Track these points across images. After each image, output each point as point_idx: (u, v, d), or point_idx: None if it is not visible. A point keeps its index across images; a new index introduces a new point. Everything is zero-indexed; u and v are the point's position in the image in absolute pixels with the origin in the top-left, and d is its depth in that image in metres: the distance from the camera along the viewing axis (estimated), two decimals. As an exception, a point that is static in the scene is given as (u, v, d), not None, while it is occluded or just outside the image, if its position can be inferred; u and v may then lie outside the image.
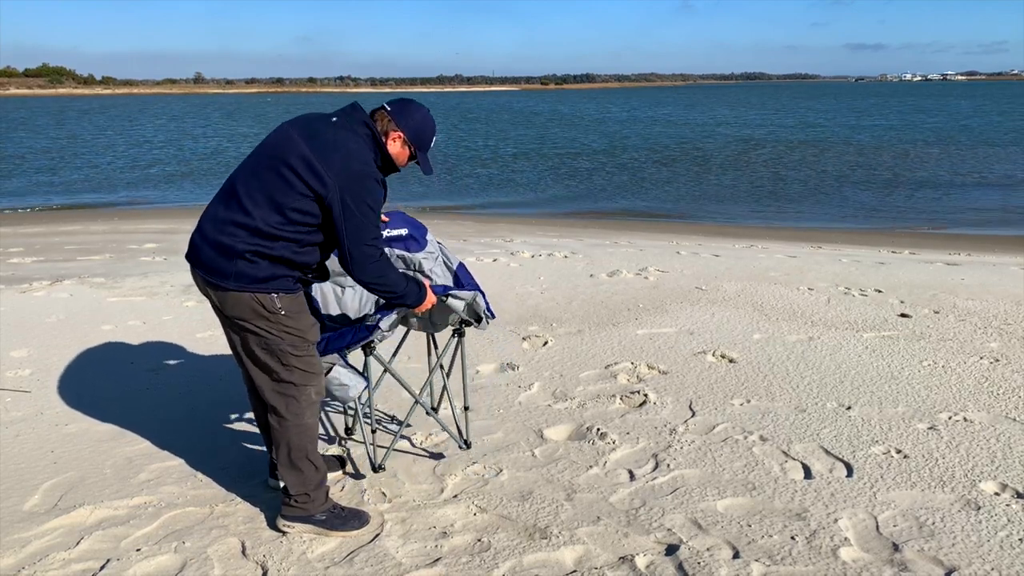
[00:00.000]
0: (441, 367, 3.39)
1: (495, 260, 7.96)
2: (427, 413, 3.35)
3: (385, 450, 3.20)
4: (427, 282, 2.97)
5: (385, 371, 3.22)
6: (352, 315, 3.29)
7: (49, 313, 5.74)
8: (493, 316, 3.18)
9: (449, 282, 3.28)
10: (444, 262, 3.34)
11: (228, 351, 4.70)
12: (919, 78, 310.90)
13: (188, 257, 2.61)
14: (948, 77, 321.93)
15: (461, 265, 3.36)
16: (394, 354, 3.63)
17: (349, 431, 3.58)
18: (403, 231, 3.26)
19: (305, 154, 2.45)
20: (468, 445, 3.35)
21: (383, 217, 3.14)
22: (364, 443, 3.23)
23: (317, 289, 3.23)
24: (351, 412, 3.61)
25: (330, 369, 2.83)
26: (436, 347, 3.52)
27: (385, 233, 3.18)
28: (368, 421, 3.20)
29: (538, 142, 31.53)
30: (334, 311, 3.28)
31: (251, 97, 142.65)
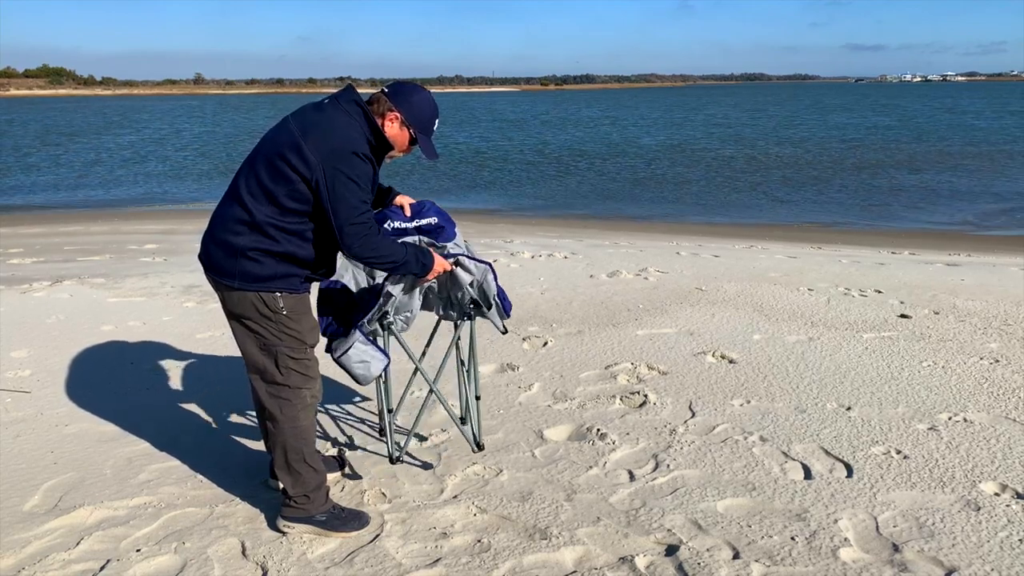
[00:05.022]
0: (460, 361, 3.30)
1: (495, 261, 7.96)
2: (448, 412, 3.33)
3: (402, 441, 3.23)
4: (435, 252, 2.86)
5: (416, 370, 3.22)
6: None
7: (49, 314, 5.74)
8: (508, 310, 3.10)
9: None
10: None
11: (228, 352, 4.71)
12: (919, 79, 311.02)
13: (199, 257, 2.63)
14: (948, 78, 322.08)
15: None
16: (427, 344, 3.58)
17: (383, 432, 3.45)
18: (432, 220, 3.16)
19: (295, 139, 2.45)
20: (480, 447, 3.28)
21: (406, 207, 3.09)
22: (386, 437, 3.23)
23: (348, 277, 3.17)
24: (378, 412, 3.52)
25: (349, 348, 2.81)
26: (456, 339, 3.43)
27: (414, 224, 3.11)
28: (390, 408, 3.11)
29: (536, 143, 31.54)
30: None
31: (251, 97, 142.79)
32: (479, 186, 19.18)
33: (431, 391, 3.15)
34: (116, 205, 16.21)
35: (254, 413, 2.99)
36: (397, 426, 3.52)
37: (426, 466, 3.21)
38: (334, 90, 2.68)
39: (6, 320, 5.56)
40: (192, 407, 3.91)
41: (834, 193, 17.03)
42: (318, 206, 2.48)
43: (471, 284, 2.98)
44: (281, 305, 2.53)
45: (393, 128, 2.60)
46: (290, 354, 2.59)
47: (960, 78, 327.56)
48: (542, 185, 19.35)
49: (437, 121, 2.69)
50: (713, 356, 4.62)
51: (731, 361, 4.53)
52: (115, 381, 4.30)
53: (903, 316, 5.48)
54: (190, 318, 5.59)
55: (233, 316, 2.60)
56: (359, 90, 2.64)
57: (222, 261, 2.52)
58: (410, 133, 2.62)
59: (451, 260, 2.90)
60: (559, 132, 38.02)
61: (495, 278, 3.03)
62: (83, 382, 4.28)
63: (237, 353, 4.53)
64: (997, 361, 4.46)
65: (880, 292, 6.27)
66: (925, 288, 6.42)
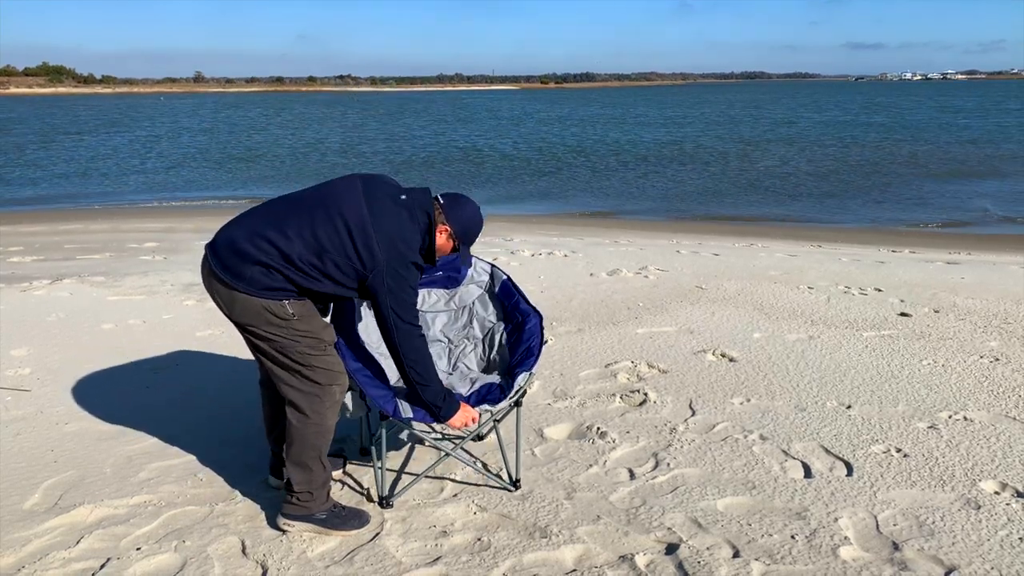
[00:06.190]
0: (495, 422, 3.15)
1: (495, 259, 7.95)
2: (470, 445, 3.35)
3: (400, 484, 3.06)
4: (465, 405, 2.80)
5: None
6: (375, 344, 3.13)
7: (49, 312, 5.74)
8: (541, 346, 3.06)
9: (495, 319, 3.27)
10: (490, 287, 3.34)
11: (228, 350, 4.71)
12: (919, 77, 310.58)
13: (208, 247, 2.61)
14: (948, 76, 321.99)
15: (505, 283, 3.30)
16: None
17: (364, 451, 3.36)
18: (438, 273, 3.31)
19: (364, 221, 2.51)
20: (517, 486, 3.04)
21: None
22: (373, 470, 3.00)
23: (359, 308, 3.14)
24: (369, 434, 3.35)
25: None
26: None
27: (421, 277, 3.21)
28: (379, 455, 2.92)
29: (536, 141, 31.52)
30: (364, 336, 3.09)
31: (251, 96, 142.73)
32: (478, 185, 19.17)
33: (446, 454, 3.10)
34: (116, 203, 16.21)
35: (255, 411, 2.98)
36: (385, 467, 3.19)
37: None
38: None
39: (6, 318, 5.56)
40: (192, 406, 3.91)
41: (830, 188, 17.04)
42: (362, 291, 2.58)
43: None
44: (291, 312, 2.53)
45: (441, 239, 2.72)
46: (311, 352, 2.59)
47: (960, 76, 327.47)
48: (542, 183, 19.35)
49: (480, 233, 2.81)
50: (713, 354, 4.62)
51: (731, 359, 4.53)
52: (115, 380, 4.30)
53: (903, 314, 5.48)
54: (190, 316, 5.59)
55: (241, 327, 2.59)
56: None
57: (234, 264, 2.50)
58: (454, 244, 2.75)
59: (479, 409, 2.81)
60: (559, 130, 38.03)
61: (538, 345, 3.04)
62: (83, 380, 4.28)
63: (237, 351, 4.55)
64: (997, 359, 4.46)
65: (880, 290, 6.27)
66: (925, 286, 6.41)
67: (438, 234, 2.69)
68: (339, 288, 2.58)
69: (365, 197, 2.56)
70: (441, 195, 2.76)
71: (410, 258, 2.58)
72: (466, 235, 2.75)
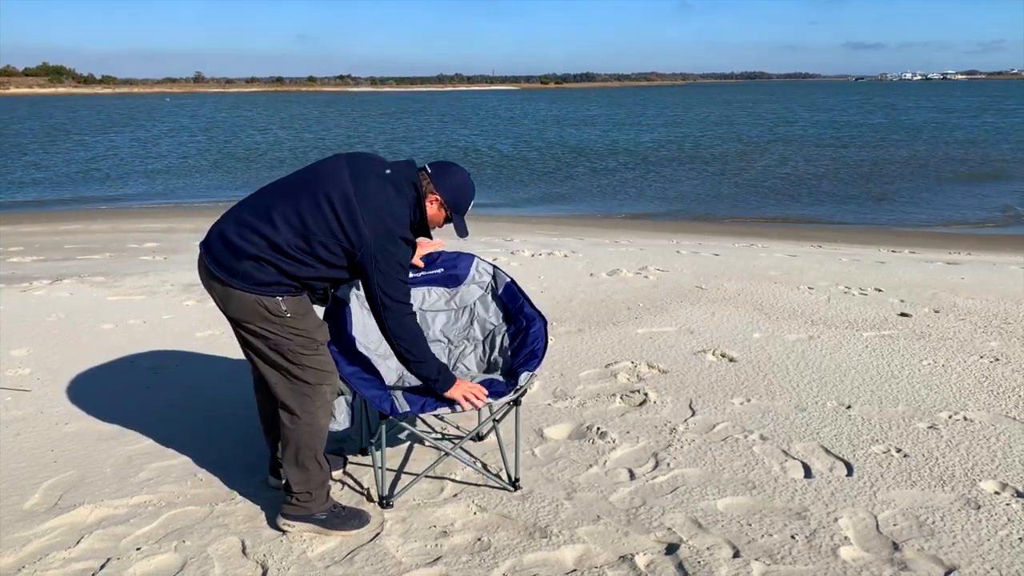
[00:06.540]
0: (495, 422, 3.13)
1: (495, 259, 7.95)
2: (473, 442, 3.34)
3: (399, 484, 3.04)
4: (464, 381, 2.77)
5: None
6: (374, 345, 3.12)
7: (49, 312, 5.74)
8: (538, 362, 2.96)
9: (496, 320, 3.25)
10: (492, 288, 3.32)
11: (228, 350, 4.71)
12: (919, 77, 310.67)
13: (202, 246, 2.62)
14: (948, 76, 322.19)
15: (509, 286, 3.29)
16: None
17: (364, 451, 3.35)
18: (438, 271, 3.30)
19: (349, 197, 2.49)
20: (517, 486, 3.02)
21: (416, 260, 3.21)
22: (373, 470, 2.98)
23: (354, 311, 3.13)
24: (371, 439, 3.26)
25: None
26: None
27: (421, 274, 3.23)
28: (379, 453, 2.91)
29: (536, 141, 31.51)
30: (362, 338, 3.08)
31: (251, 96, 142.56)
32: (479, 184, 19.11)
33: (446, 453, 3.08)
34: (116, 203, 16.21)
35: (255, 411, 2.98)
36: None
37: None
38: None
39: (6, 318, 5.56)
40: (192, 406, 3.91)
41: (830, 188, 17.04)
42: (352, 269, 2.56)
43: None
44: (284, 308, 2.53)
45: (432, 208, 2.68)
46: (303, 351, 2.59)
47: (960, 76, 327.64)
48: (541, 183, 19.35)
49: (472, 202, 2.77)
50: (713, 355, 4.62)
51: (731, 360, 4.53)
52: (115, 380, 4.30)
53: (903, 315, 5.48)
54: (190, 316, 5.59)
55: (236, 323, 2.59)
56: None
57: (227, 260, 2.51)
58: (446, 213, 2.70)
59: (489, 394, 2.77)
60: (558, 130, 38.03)
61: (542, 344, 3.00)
62: (83, 381, 4.28)
63: (237, 351, 4.53)
64: (997, 360, 4.46)
65: (880, 291, 6.27)
66: (925, 287, 6.42)
67: (428, 204, 2.66)
68: (332, 271, 2.57)
69: (350, 175, 2.55)
70: (429, 164, 2.73)
71: (399, 233, 2.54)
72: (457, 203, 2.70)
